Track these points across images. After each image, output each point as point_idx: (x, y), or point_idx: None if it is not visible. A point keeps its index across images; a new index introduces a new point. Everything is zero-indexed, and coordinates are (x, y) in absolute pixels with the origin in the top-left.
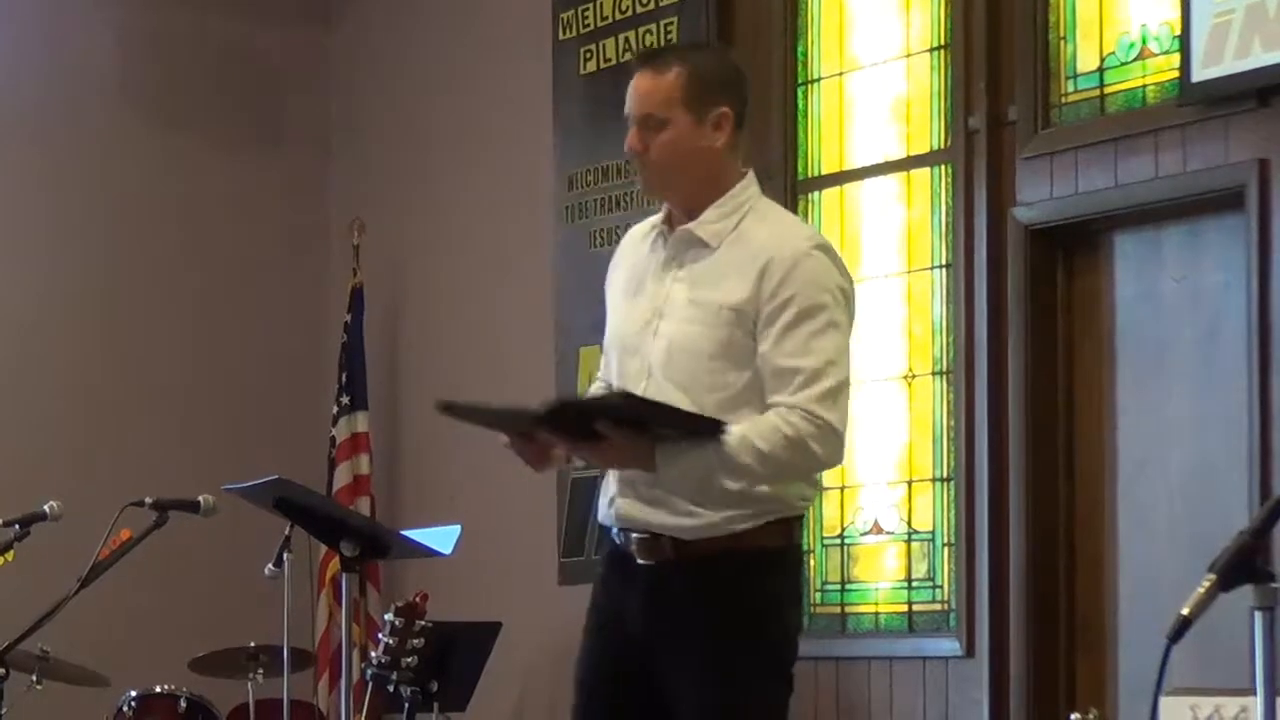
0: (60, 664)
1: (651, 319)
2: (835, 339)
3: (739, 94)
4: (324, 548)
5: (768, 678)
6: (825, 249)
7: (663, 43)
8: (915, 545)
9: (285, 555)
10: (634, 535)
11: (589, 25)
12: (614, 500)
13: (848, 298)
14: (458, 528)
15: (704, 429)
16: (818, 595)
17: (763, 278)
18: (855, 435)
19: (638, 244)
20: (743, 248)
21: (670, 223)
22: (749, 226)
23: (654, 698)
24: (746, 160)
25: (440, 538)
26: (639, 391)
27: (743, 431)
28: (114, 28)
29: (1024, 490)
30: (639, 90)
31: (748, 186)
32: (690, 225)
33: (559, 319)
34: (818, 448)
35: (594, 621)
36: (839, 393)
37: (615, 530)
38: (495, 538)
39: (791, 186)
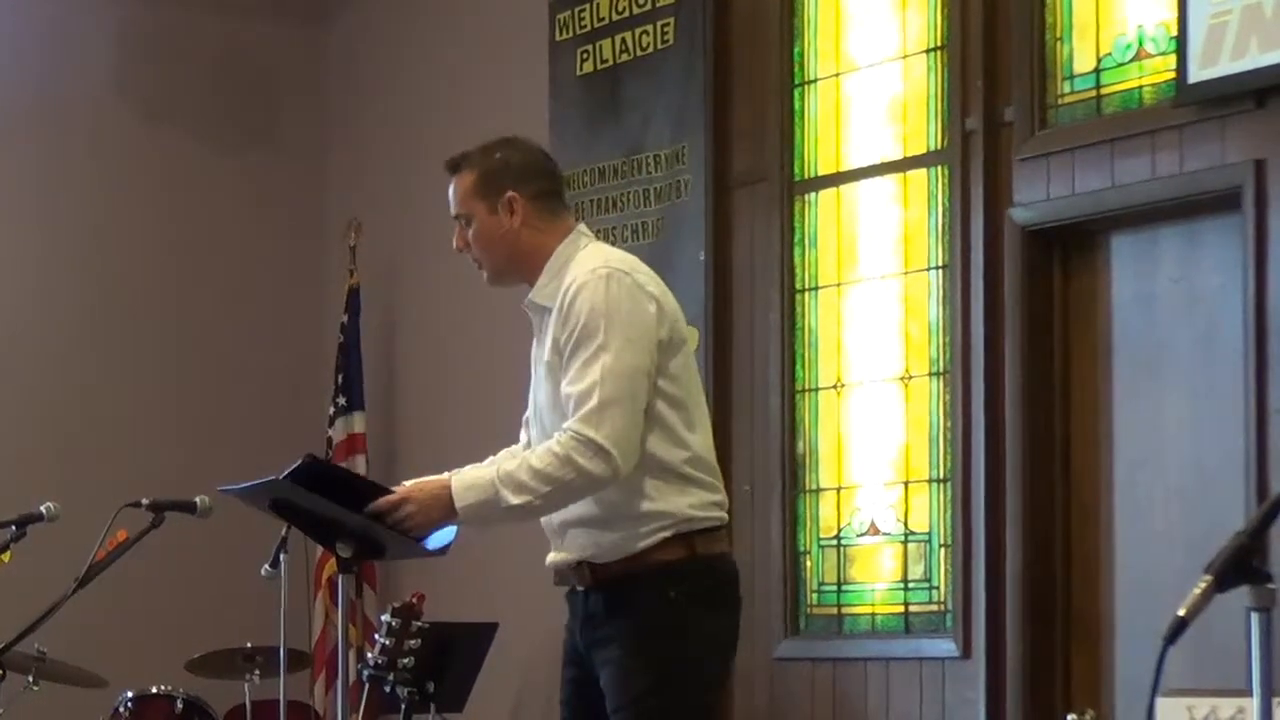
0: (57, 665)
1: (533, 390)
2: (604, 360)
3: (525, 176)
4: (320, 548)
5: (680, 682)
6: (609, 274)
7: (659, 44)
8: (912, 546)
9: (282, 556)
10: (567, 570)
11: (585, 26)
12: (550, 555)
13: (630, 316)
14: (453, 529)
15: (362, 487)
16: (814, 596)
17: (560, 315)
18: (852, 436)
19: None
20: (557, 298)
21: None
22: (565, 276)
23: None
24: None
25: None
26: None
27: (522, 457)
28: (110, 27)
29: (1021, 491)
30: (450, 195)
31: (573, 242)
32: (531, 296)
33: None
34: (585, 463)
35: (565, 650)
36: (605, 409)
37: (561, 569)
38: (491, 538)
39: (788, 188)
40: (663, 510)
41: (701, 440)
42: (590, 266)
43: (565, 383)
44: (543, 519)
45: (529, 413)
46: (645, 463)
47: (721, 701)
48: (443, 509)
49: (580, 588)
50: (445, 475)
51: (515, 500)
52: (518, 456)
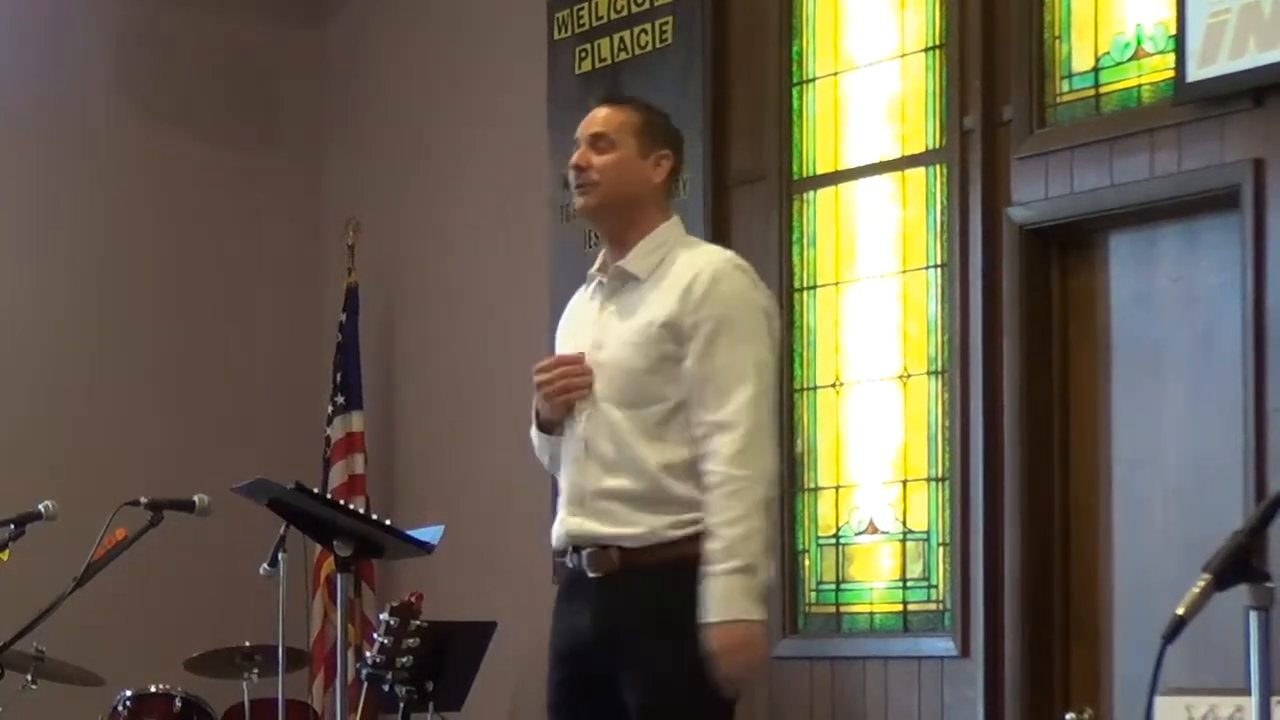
0: (55, 663)
1: (591, 353)
2: (751, 350)
3: (679, 151)
4: (319, 547)
5: (707, 678)
6: (744, 268)
7: (658, 43)
8: (910, 545)
9: (280, 555)
10: (585, 551)
11: (584, 25)
12: (564, 519)
13: (766, 314)
14: (441, 527)
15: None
16: (813, 595)
17: (687, 293)
18: (850, 435)
19: (579, 301)
20: (669, 274)
21: (604, 269)
22: (674, 257)
23: (613, 707)
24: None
25: (425, 536)
26: (581, 422)
27: (708, 524)
28: (109, 26)
29: (1019, 490)
30: (596, 115)
31: (674, 227)
32: (621, 262)
33: (553, 318)
34: (746, 470)
35: (553, 651)
36: (751, 403)
37: (569, 553)
38: (490, 537)
39: (786, 186)
40: (696, 502)
41: None
42: (722, 256)
43: (702, 367)
44: (566, 482)
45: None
46: (687, 455)
47: None
48: (754, 639)
49: (595, 574)
50: (711, 621)
51: (745, 559)
52: (711, 541)
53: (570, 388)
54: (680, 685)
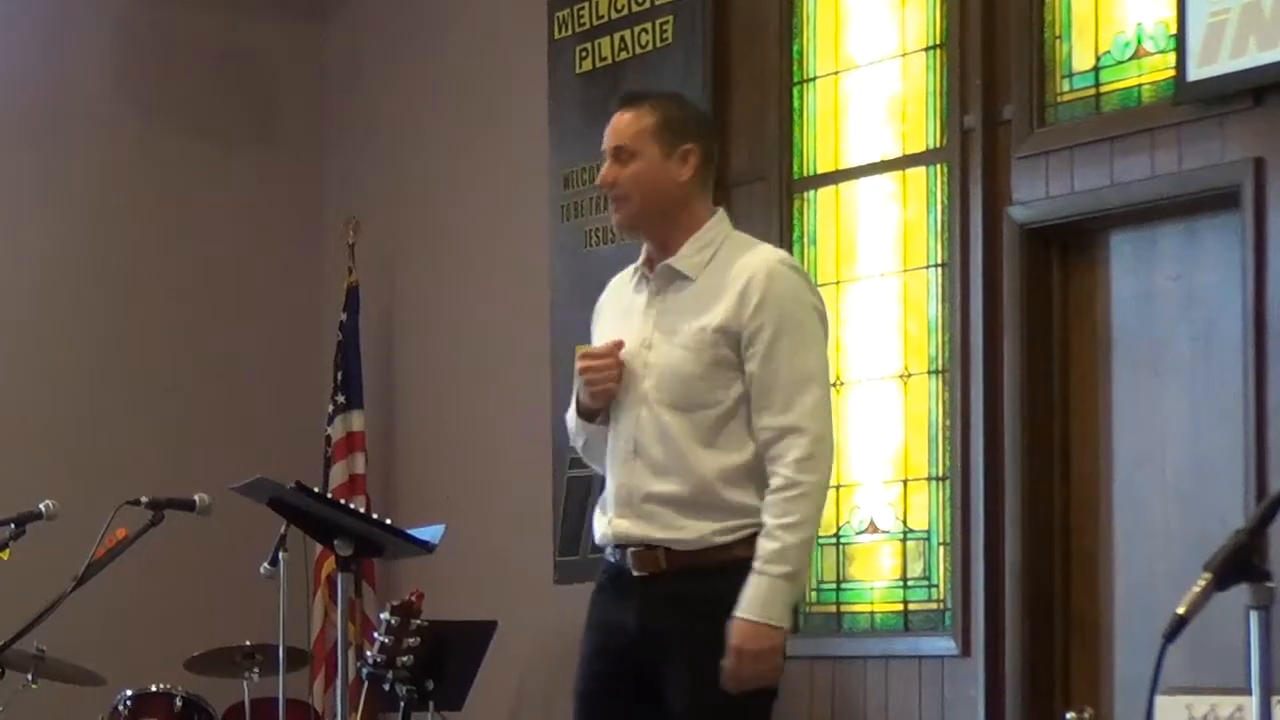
0: (56, 663)
1: (640, 351)
2: (814, 352)
3: (707, 136)
4: (319, 546)
5: (757, 692)
6: (797, 269)
7: (658, 42)
8: (911, 544)
9: (281, 554)
10: (630, 550)
11: (584, 24)
12: (612, 520)
13: (820, 315)
14: (441, 527)
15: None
16: (813, 595)
17: (742, 297)
18: (851, 434)
19: (621, 288)
20: (721, 274)
21: (650, 264)
22: (725, 255)
23: (650, 707)
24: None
25: (426, 536)
26: (636, 420)
27: (767, 532)
28: (110, 24)
29: (1020, 489)
30: (615, 126)
31: (720, 222)
32: (670, 260)
33: (554, 318)
34: (813, 476)
35: (591, 640)
36: (819, 407)
37: (612, 548)
38: (491, 536)
39: (787, 186)
40: (747, 506)
41: None
42: (776, 257)
43: (765, 370)
44: (614, 483)
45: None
46: (737, 460)
47: None
48: (778, 648)
49: (640, 573)
50: (740, 619)
51: (795, 564)
52: (764, 539)
53: (610, 380)
54: (727, 693)
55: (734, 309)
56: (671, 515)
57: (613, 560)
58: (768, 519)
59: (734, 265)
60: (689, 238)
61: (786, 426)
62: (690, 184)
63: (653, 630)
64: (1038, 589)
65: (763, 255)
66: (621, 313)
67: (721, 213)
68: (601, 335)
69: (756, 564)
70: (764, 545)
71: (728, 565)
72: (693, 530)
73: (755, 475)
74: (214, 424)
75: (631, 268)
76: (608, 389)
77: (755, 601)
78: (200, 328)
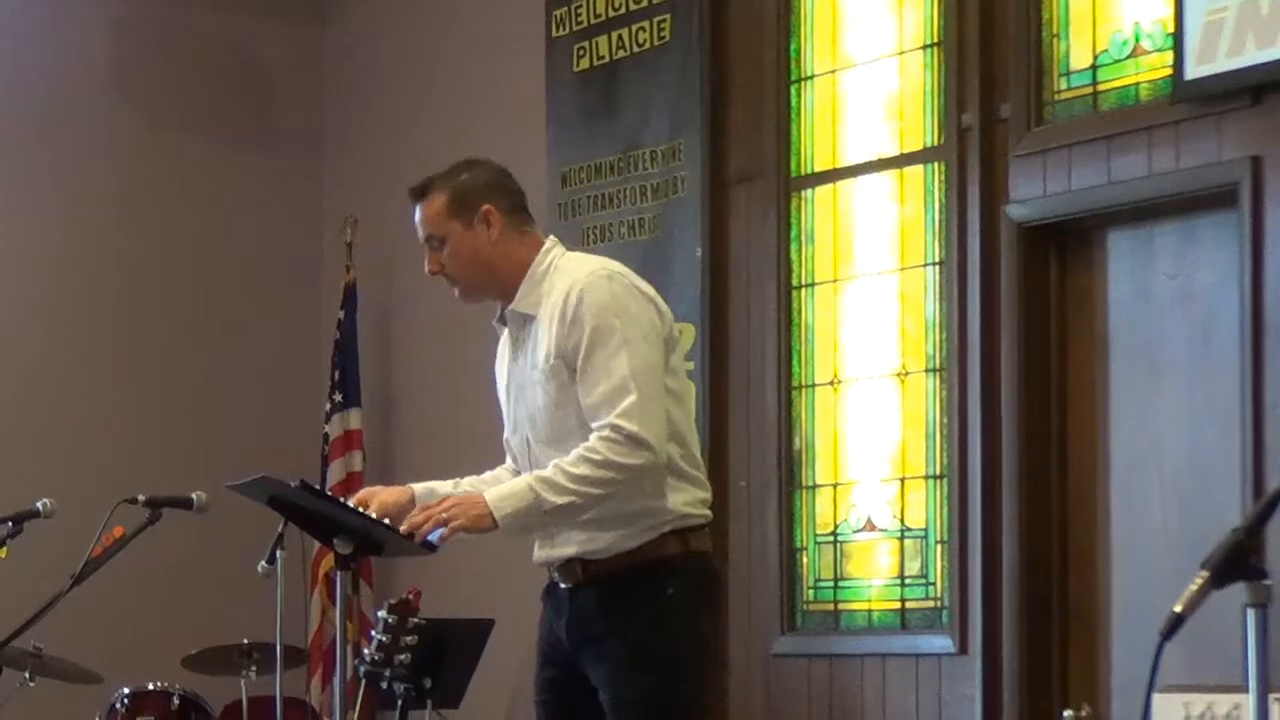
0: (53, 661)
1: (518, 399)
2: (629, 355)
3: (497, 191)
4: (317, 544)
5: (677, 679)
6: (609, 275)
7: (656, 40)
8: (908, 542)
9: (278, 552)
10: (554, 566)
11: (582, 22)
12: (537, 548)
13: (640, 313)
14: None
15: (342, 507)
16: (811, 592)
17: (562, 318)
18: (848, 432)
19: (503, 343)
20: (551, 302)
21: (503, 318)
22: (554, 283)
23: (597, 710)
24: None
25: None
26: (529, 461)
27: (554, 463)
28: (108, 24)
29: (1017, 488)
30: (418, 220)
31: (547, 253)
32: (512, 305)
33: None
34: (625, 459)
35: (540, 653)
36: (640, 404)
37: (548, 567)
38: (487, 535)
39: (784, 184)
40: (660, 507)
41: (693, 436)
42: (587, 270)
43: (588, 383)
44: None
45: (509, 433)
46: None
47: (716, 702)
48: (478, 519)
49: (566, 585)
50: (486, 498)
51: (559, 500)
52: (554, 467)
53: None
54: (648, 684)
55: (559, 333)
56: (582, 532)
57: (549, 576)
58: (563, 462)
59: (557, 289)
60: (522, 280)
61: (608, 424)
62: (501, 239)
63: (578, 638)
64: (1035, 587)
65: (578, 271)
66: (502, 372)
67: (549, 242)
68: (501, 396)
69: (535, 478)
70: (554, 472)
71: (641, 566)
72: (602, 540)
73: (643, 480)
74: (212, 422)
75: (495, 336)
76: (455, 528)
77: (506, 496)
78: (198, 326)
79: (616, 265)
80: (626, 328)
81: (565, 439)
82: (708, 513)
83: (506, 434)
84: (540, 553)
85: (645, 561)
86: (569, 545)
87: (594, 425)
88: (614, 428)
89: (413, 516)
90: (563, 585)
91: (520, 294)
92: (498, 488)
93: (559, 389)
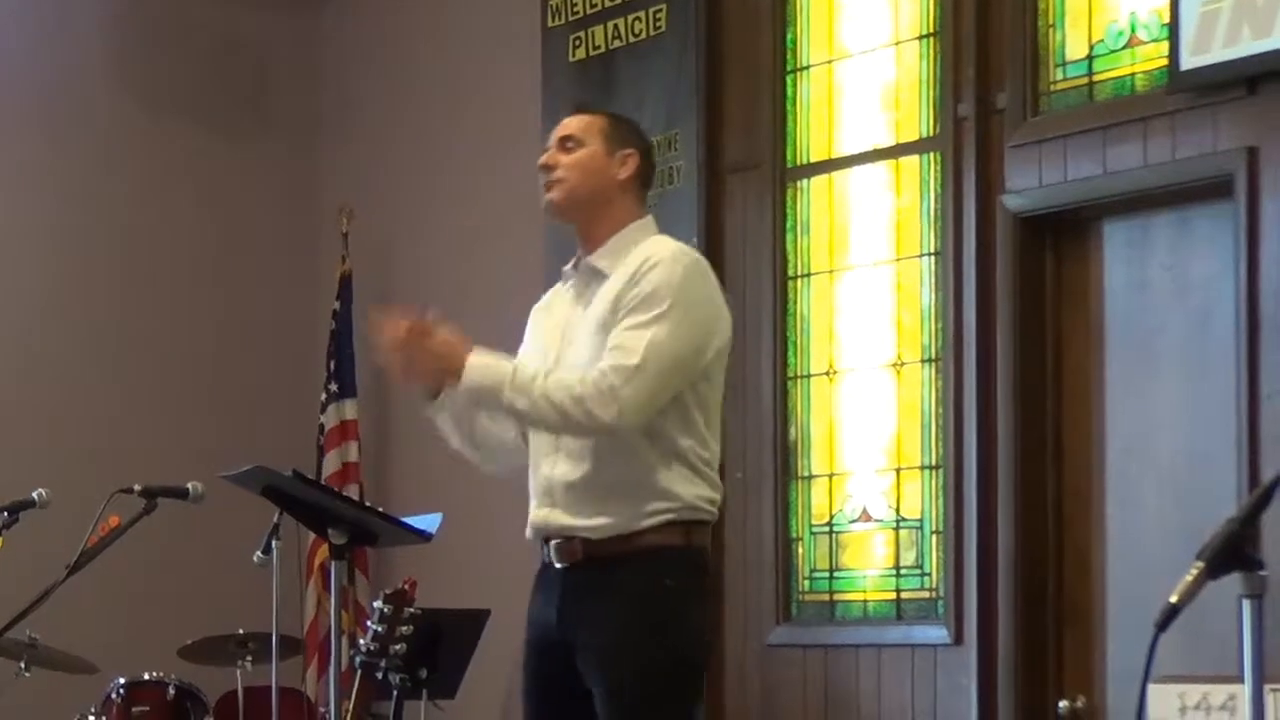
0: (48, 651)
1: (561, 348)
2: (658, 329)
3: (647, 150)
4: (312, 535)
5: (670, 669)
6: (690, 261)
7: (652, 30)
8: (904, 533)
9: (274, 542)
10: (553, 542)
11: (578, 13)
12: (534, 510)
13: (697, 306)
14: (439, 515)
15: (337, 497)
16: (806, 583)
17: (629, 281)
18: (844, 423)
19: (559, 294)
20: (626, 266)
21: (577, 264)
22: (635, 252)
23: (584, 701)
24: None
25: (423, 525)
26: None
27: (546, 369)
28: (104, 12)
29: (1013, 478)
30: (565, 122)
31: (644, 227)
32: (590, 258)
33: None
34: (595, 409)
35: (530, 637)
36: (639, 372)
37: (539, 543)
38: (484, 524)
39: (780, 174)
40: (671, 492)
41: (716, 446)
42: (675, 249)
43: (614, 331)
44: (536, 476)
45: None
46: (663, 445)
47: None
48: (450, 369)
49: (561, 564)
50: (465, 341)
51: (519, 403)
52: (539, 372)
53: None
54: (639, 673)
55: (624, 288)
56: (589, 502)
57: (543, 556)
58: (549, 379)
59: (637, 256)
60: (612, 235)
61: (603, 371)
62: (624, 184)
63: (569, 621)
64: (1030, 577)
65: (664, 243)
66: (550, 313)
67: (649, 220)
68: (531, 329)
69: (514, 372)
70: (532, 378)
71: (641, 553)
72: (609, 515)
73: (671, 460)
74: (207, 412)
75: (562, 280)
76: (417, 376)
77: (483, 368)
78: (193, 316)
79: (705, 263)
80: (675, 309)
81: None
82: (715, 512)
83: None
84: (540, 514)
85: (645, 548)
86: (571, 515)
87: (598, 365)
88: (606, 376)
89: (402, 337)
90: (558, 564)
91: (602, 250)
92: (484, 356)
93: (604, 342)
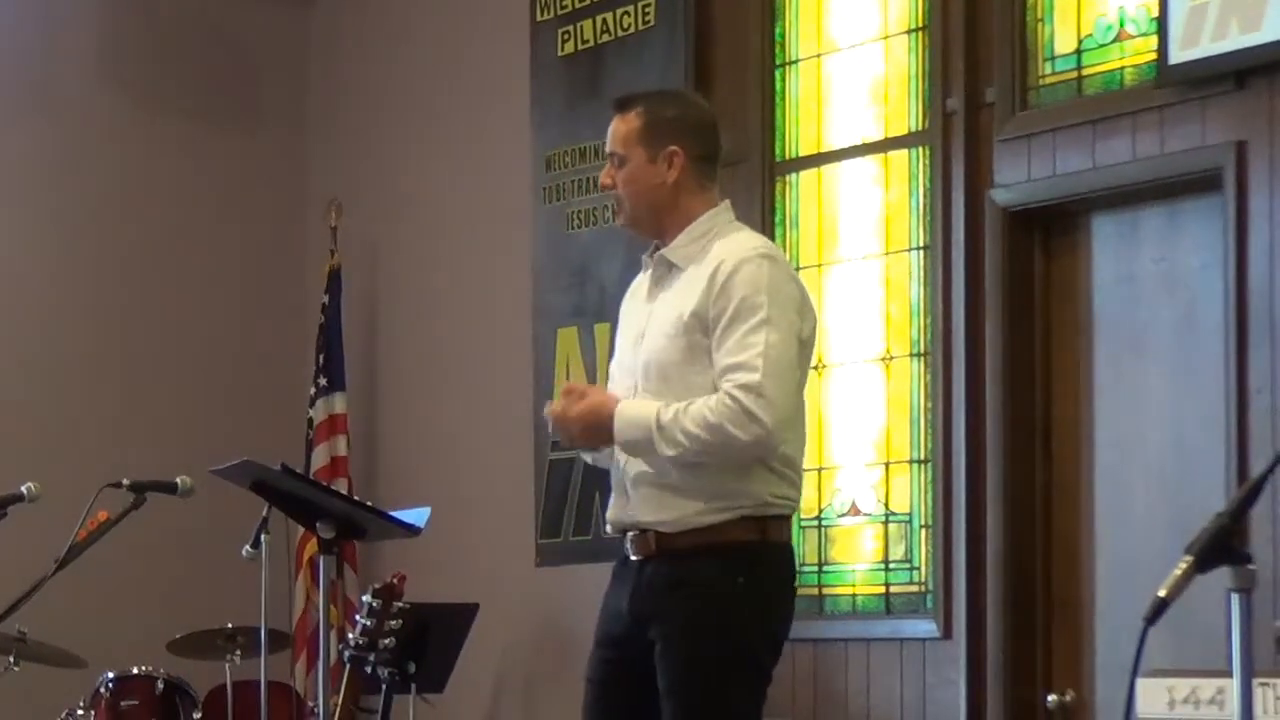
0: (37, 645)
1: (638, 340)
2: (768, 334)
3: (695, 135)
4: (301, 529)
5: (737, 666)
6: (769, 257)
7: (640, 25)
8: (892, 527)
9: (263, 537)
10: (629, 535)
11: (566, 7)
12: (611, 505)
13: (790, 300)
14: (427, 509)
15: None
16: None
17: (711, 284)
18: (832, 417)
19: (639, 282)
20: (704, 264)
21: (654, 253)
22: (713, 246)
23: (652, 693)
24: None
25: (412, 518)
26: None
27: (677, 409)
28: (93, 6)
29: (1001, 472)
30: (611, 131)
31: (718, 214)
32: (663, 250)
33: (536, 301)
34: (737, 432)
35: (599, 630)
36: (766, 381)
37: (618, 534)
38: (473, 519)
39: (769, 168)
40: (742, 489)
41: (796, 439)
42: (750, 245)
43: (722, 351)
44: (615, 471)
45: (614, 365)
46: None
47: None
48: (603, 437)
49: (637, 558)
50: (609, 399)
51: (669, 451)
52: (673, 408)
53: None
54: (708, 669)
55: (704, 295)
56: (660, 496)
57: (622, 548)
58: (684, 415)
59: (714, 255)
60: (682, 229)
61: (731, 394)
62: (676, 184)
63: (641, 615)
64: (1019, 572)
65: (739, 242)
66: (631, 309)
67: (723, 206)
68: (619, 332)
69: (658, 426)
70: (673, 422)
71: (714, 547)
72: (678, 510)
73: (749, 455)
74: (195, 406)
75: (642, 268)
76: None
77: (631, 426)
78: (182, 310)
79: (778, 251)
80: (772, 308)
81: (671, 396)
82: (794, 505)
83: (612, 366)
84: (615, 512)
85: (719, 543)
86: (643, 511)
87: (721, 388)
88: (735, 399)
89: (552, 406)
90: (633, 557)
91: (675, 243)
92: (627, 410)
93: (688, 348)
